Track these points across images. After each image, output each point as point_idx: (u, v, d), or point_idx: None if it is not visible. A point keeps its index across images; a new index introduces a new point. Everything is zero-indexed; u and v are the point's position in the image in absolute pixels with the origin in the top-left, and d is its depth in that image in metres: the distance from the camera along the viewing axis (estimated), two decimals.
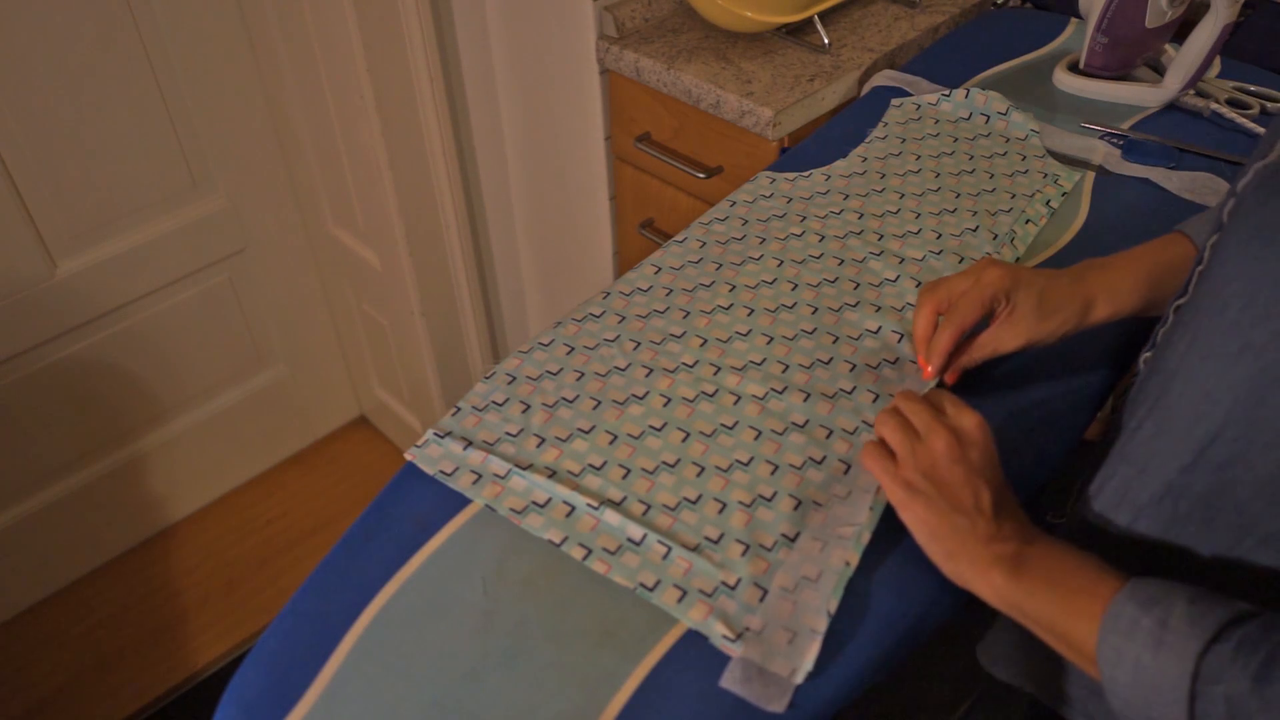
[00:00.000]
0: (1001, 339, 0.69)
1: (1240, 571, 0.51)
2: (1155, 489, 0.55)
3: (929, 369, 0.71)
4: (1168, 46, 1.10)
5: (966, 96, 1.05)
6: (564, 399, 0.73)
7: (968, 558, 0.55)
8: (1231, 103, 1.06)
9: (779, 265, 0.86)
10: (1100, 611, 0.48)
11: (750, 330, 0.79)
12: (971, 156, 1.00)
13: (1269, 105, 1.05)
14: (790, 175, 0.98)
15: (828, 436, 0.70)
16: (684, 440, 0.70)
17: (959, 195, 0.94)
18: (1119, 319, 0.70)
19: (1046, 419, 0.74)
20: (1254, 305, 0.47)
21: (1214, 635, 0.43)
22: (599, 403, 0.73)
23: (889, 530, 0.64)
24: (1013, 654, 0.67)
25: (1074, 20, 1.24)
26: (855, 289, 0.83)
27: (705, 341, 0.78)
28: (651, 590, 0.60)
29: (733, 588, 0.60)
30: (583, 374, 0.75)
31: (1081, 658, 0.50)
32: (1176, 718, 0.44)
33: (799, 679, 0.56)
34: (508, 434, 0.70)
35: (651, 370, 0.75)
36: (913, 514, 0.58)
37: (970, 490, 0.56)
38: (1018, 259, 0.88)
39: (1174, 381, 0.53)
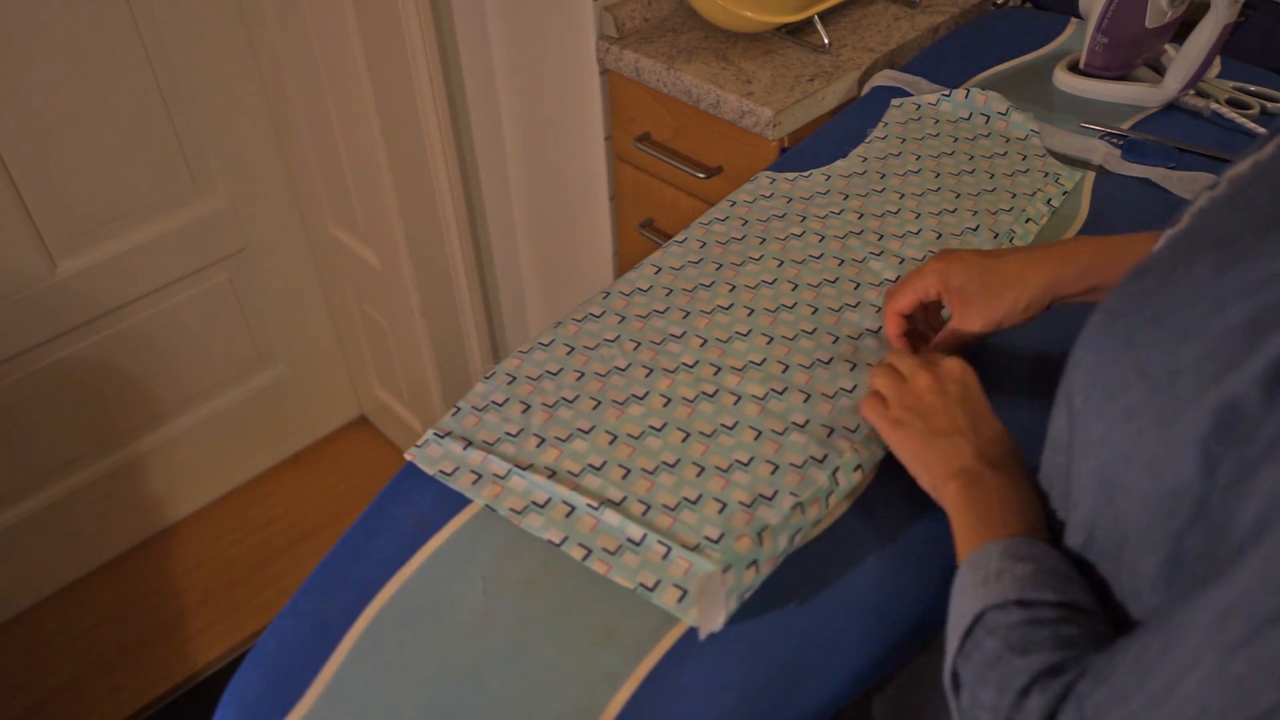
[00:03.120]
0: (960, 326, 0.69)
1: None
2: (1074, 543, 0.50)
3: None
4: (1168, 46, 1.10)
5: (966, 96, 1.05)
6: (564, 399, 0.73)
7: (942, 472, 0.58)
8: (1232, 103, 1.06)
9: (779, 265, 0.86)
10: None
11: (750, 330, 0.79)
12: (971, 156, 1.00)
13: (1269, 105, 1.05)
14: (790, 175, 0.98)
15: (828, 436, 0.70)
16: (684, 440, 0.70)
17: (959, 195, 0.94)
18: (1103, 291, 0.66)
19: None
20: (1091, 400, 0.43)
21: (1020, 600, 0.46)
22: (599, 403, 0.73)
23: (889, 528, 0.64)
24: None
25: (1074, 20, 1.24)
26: (855, 289, 0.83)
27: (705, 341, 0.78)
28: (651, 590, 0.60)
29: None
30: (583, 374, 0.75)
31: None
32: (954, 644, 0.48)
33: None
34: (508, 434, 0.70)
35: (651, 370, 0.75)
36: (899, 444, 0.62)
37: (948, 415, 0.60)
38: None
39: (1064, 456, 0.49)
